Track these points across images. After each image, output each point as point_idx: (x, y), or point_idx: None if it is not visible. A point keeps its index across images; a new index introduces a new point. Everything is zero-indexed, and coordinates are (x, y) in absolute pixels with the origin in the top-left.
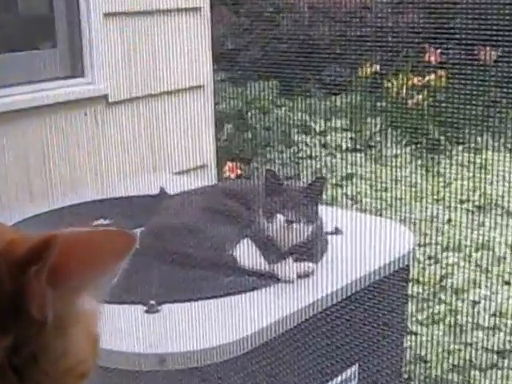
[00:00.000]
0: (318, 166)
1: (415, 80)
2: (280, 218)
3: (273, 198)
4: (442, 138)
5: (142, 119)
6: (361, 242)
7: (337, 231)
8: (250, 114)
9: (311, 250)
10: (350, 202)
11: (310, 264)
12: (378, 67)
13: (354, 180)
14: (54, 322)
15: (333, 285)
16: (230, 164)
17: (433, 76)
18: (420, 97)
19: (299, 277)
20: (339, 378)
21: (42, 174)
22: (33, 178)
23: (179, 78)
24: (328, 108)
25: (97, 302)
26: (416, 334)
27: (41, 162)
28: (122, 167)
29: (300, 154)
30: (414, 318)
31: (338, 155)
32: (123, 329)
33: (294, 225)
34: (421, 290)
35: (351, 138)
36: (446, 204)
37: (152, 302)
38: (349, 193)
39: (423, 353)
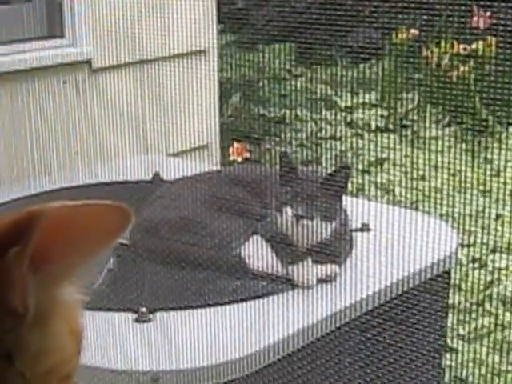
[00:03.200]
0: (343, 149)
1: (460, 48)
2: (288, 212)
3: (285, 188)
4: (491, 117)
5: (131, 89)
6: (393, 242)
7: (364, 228)
8: (260, 84)
9: (333, 250)
10: (379, 192)
11: (333, 266)
12: (415, 31)
13: (385, 166)
14: (33, 314)
15: (359, 292)
16: (236, 145)
17: (481, 43)
18: (465, 68)
19: (319, 282)
20: None
21: (11, 154)
22: (1, 159)
23: (177, 41)
24: (355, 79)
25: (79, 291)
26: (456, 351)
27: (10, 138)
28: (107, 146)
29: (320, 134)
30: (454, 333)
31: (366, 136)
32: (109, 341)
33: (305, 221)
34: (463, 299)
35: (382, 116)
36: (495, 197)
37: (143, 309)
38: (378, 181)
39: (464, 374)
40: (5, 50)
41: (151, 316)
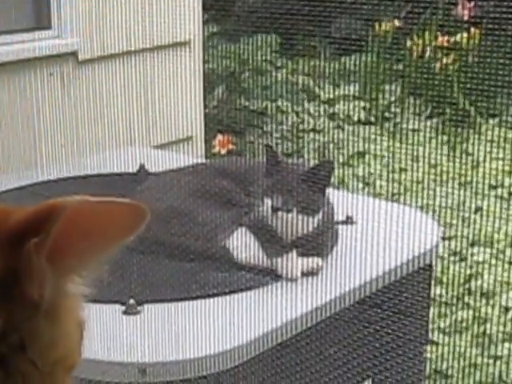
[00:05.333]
0: (324, 141)
1: (442, 39)
2: (266, 203)
3: (267, 180)
4: (472, 109)
5: (117, 81)
6: (377, 235)
7: (348, 221)
8: (243, 76)
9: (318, 243)
10: (360, 184)
11: (317, 259)
12: (398, 22)
13: (366, 158)
14: (46, 305)
15: (343, 285)
16: (220, 137)
17: (464, 35)
18: (448, 60)
19: (304, 274)
20: None
21: None
22: None
23: (161, 32)
24: (337, 71)
25: (84, 284)
26: (437, 343)
27: None
28: (93, 138)
29: (302, 126)
30: (434, 325)
31: (348, 128)
32: (97, 333)
33: (282, 213)
34: (443, 293)
35: (364, 108)
36: (475, 189)
37: (131, 301)
38: (359, 174)
39: (444, 366)
40: None
41: (139, 308)
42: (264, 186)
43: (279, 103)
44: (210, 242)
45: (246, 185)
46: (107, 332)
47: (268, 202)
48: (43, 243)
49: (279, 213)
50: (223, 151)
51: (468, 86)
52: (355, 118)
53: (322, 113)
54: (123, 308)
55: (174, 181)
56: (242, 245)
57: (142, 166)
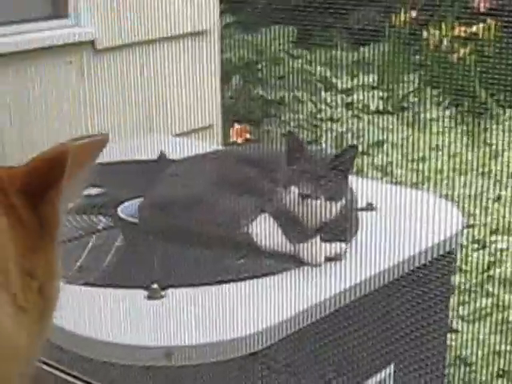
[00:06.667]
0: (341, 130)
1: (460, 30)
2: (294, 190)
3: (291, 167)
4: (490, 99)
5: (135, 70)
6: (398, 221)
7: (369, 207)
8: (260, 65)
9: (341, 228)
10: (378, 173)
11: (341, 245)
12: (415, 13)
13: (385, 148)
14: None
15: (366, 270)
16: (237, 126)
17: (481, 25)
18: (465, 50)
19: (328, 260)
20: (373, 380)
21: (14, 134)
22: (4, 138)
23: (179, 22)
24: (354, 61)
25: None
26: (457, 331)
27: (15, 118)
28: (111, 127)
29: (319, 116)
30: (455, 313)
31: (366, 118)
32: (121, 317)
33: (311, 200)
34: (464, 280)
35: (381, 98)
36: (495, 178)
37: (155, 285)
38: (378, 163)
39: (465, 354)
40: (9, 30)
41: (163, 293)
42: (289, 173)
43: (296, 93)
44: (232, 228)
45: (268, 171)
46: (131, 316)
47: (294, 189)
48: (61, 188)
49: (308, 200)
50: (240, 141)
51: (486, 76)
52: (373, 108)
53: (339, 102)
54: (147, 293)
55: (195, 168)
56: (265, 231)
57: (162, 154)
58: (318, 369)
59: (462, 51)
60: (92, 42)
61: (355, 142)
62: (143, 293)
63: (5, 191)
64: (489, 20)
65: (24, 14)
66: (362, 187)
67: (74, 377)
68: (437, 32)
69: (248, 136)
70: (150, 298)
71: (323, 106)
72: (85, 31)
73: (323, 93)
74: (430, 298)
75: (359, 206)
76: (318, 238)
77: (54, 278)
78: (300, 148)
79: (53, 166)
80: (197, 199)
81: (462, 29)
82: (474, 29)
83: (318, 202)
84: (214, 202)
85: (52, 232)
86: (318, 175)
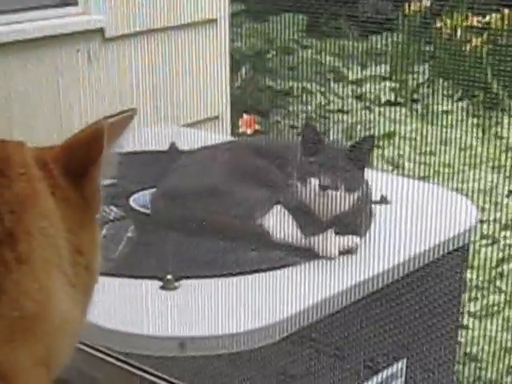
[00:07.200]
0: (351, 122)
1: (473, 20)
2: (313, 182)
3: (309, 159)
4: (503, 92)
5: (144, 59)
6: (412, 215)
7: (383, 200)
8: (269, 55)
9: (355, 221)
10: (388, 166)
11: (354, 238)
12: (428, 2)
13: (395, 140)
14: None
15: (380, 264)
16: (246, 117)
17: (495, 15)
18: (478, 40)
19: (341, 253)
20: (384, 374)
21: (22, 122)
22: (14, 126)
23: (189, 10)
24: (364, 51)
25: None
26: (467, 327)
27: (23, 106)
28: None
29: (329, 107)
30: (465, 309)
31: (376, 109)
32: (136, 307)
33: (330, 192)
34: (474, 276)
35: (392, 89)
36: (507, 173)
37: (169, 276)
38: (387, 155)
39: (474, 350)
40: (18, 18)
41: (176, 284)
42: (306, 164)
43: (305, 83)
44: (246, 219)
45: (281, 162)
46: (145, 307)
47: (314, 180)
48: (100, 163)
49: (327, 191)
50: (249, 131)
51: (499, 68)
52: (383, 100)
53: (349, 93)
54: (161, 283)
55: (208, 158)
56: (279, 223)
57: (172, 144)
58: (332, 359)
59: (474, 42)
60: (101, 30)
61: (365, 134)
62: (157, 283)
63: (50, 172)
64: (503, 9)
65: (33, 1)
66: (376, 180)
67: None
68: (449, 22)
69: (257, 127)
70: (163, 288)
71: (333, 97)
72: (94, 19)
73: (333, 83)
74: (444, 292)
75: (373, 199)
76: (332, 231)
77: (97, 253)
78: (317, 139)
79: (91, 143)
80: (210, 190)
81: (476, 19)
82: (488, 18)
83: (338, 192)
84: (227, 193)
85: (94, 207)
86: (337, 166)
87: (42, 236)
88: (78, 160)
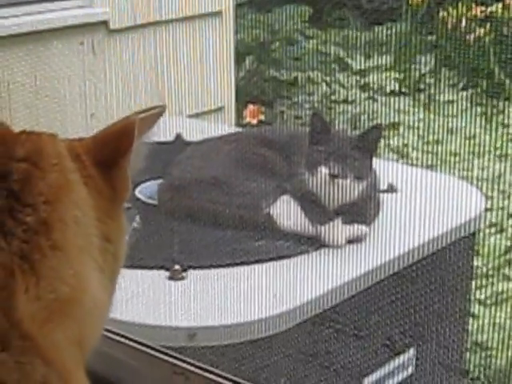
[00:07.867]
0: (356, 112)
1: (477, 10)
2: (323, 170)
3: (318, 148)
4: (508, 80)
5: (148, 51)
6: (419, 203)
7: (391, 189)
8: (273, 46)
9: (362, 210)
10: (395, 156)
11: (362, 227)
12: None
13: (401, 130)
14: None
15: (388, 253)
16: (251, 107)
17: (499, 5)
18: (482, 30)
19: (349, 242)
20: (394, 363)
21: (26, 115)
22: (16, 118)
23: (193, 2)
24: (368, 41)
25: None
26: (475, 316)
27: (26, 99)
28: (122, 108)
29: (333, 97)
30: (472, 297)
31: (380, 99)
32: (143, 298)
33: (340, 180)
34: (481, 264)
35: (396, 79)
36: None
37: (176, 266)
38: (393, 145)
39: (484, 338)
40: (22, 10)
41: (184, 274)
42: (314, 153)
43: (310, 74)
44: (253, 209)
45: (287, 152)
46: (153, 297)
47: (322, 169)
48: (130, 156)
49: (337, 180)
50: (254, 122)
51: (503, 56)
52: (387, 89)
53: (353, 83)
54: (168, 273)
55: (214, 149)
56: (286, 212)
57: (178, 135)
58: (330, 357)
59: (478, 31)
60: (105, 23)
61: (370, 124)
62: (164, 273)
63: (83, 163)
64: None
65: None
66: (383, 169)
67: None
68: (454, 12)
69: (262, 117)
70: (171, 278)
71: (337, 87)
72: (98, 11)
73: (337, 73)
74: (452, 280)
75: (381, 187)
76: (340, 220)
77: (123, 240)
78: (325, 128)
79: (122, 137)
80: (216, 181)
81: (480, 9)
82: (492, 8)
83: (347, 181)
84: (233, 184)
85: (122, 196)
86: (346, 155)
87: (75, 224)
88: (109, 152)
